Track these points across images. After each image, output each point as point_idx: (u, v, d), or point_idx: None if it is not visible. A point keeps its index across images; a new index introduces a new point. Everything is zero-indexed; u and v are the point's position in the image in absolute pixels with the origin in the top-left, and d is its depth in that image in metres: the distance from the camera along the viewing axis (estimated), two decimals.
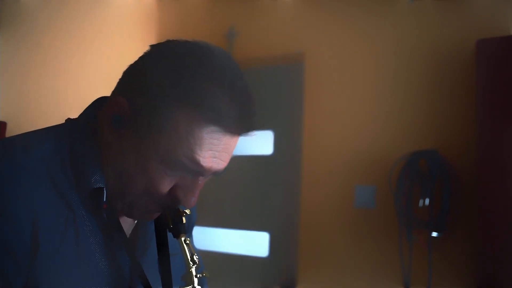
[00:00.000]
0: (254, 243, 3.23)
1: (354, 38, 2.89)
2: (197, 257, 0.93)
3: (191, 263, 0.93)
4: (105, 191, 0.91)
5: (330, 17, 2.97)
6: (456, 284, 2.47)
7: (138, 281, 0.95)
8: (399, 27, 2.77)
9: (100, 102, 0.97)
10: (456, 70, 2.58)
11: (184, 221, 0.94)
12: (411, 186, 2.55)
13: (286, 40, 3.10)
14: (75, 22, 3.00)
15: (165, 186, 0.90)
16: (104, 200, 0.91)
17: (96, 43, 3.05)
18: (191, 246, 0.94)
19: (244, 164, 3.30)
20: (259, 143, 3.27)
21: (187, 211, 0.95)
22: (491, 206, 2.34)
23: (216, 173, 0.92)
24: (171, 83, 0.85)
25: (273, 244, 3.16)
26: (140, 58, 0.92)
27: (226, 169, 0.93)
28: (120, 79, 0.93)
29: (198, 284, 0.93)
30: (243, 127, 0.89)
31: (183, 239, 0.93)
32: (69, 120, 0.97)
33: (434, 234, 2.50)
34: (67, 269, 0.88)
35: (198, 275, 0.93)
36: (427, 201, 2.51)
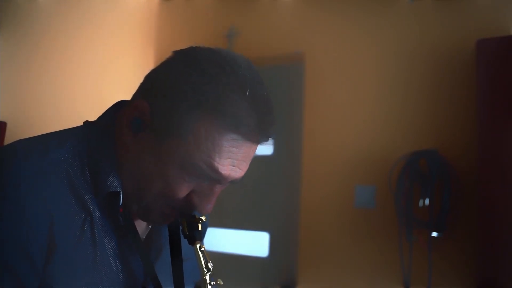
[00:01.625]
0: (254, 243, 3.23)
1: (354, 38, 2.89)
2: (211, 264, 0.94)
3: (205, 270, 0.93)
4: (121, 195, 0.91)
5: (330, 17, 2.97)
6: (456, 284, 2.47)
7: (151, 285, 0.95)
8: (399, 27, 2.77)
9: (119, 106, 0.98)
10: (456, 70, 2.58)
11: (200, 228, 0.95)
12: (411, 186, 2.55)
13: (286, 40, 3.10)
14: (75, 23, 3.00)
15: (182, 192, 0.90)
16: (120, 204, 0.92)
17: (96, 43, 3.05)
18: (206, 253, 0.94)
19: None
20: None
21: (203, 218, 0.95)
22: (491, 206, 2.34)
23: (233, 181, 0.93)
24: (192, 89, 0.86)
25: (273, 244, 3.16)
26: (163, 63, 0.92)
27: (243, 178, 0.94)
28: (142, 83, 0.94)
29: None
30: (262, 135, 0.90)
31: (198, 246, 0.94)
32: (87, 123, 0.98)
33: (434, 234, 2.50)
34: (82, 272, 0.88)
35: (212, 283, 0.94)
36: (427, 201, 2.51)
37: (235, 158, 0.89)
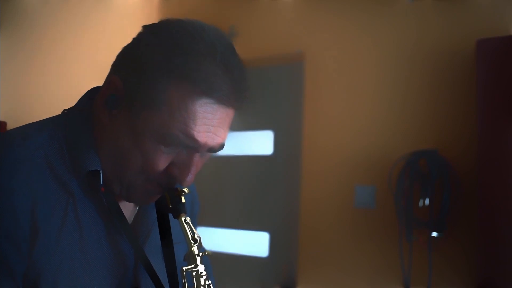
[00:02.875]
0: (254, 243, 3.23)
1: (354, 38, 2.89)
2: (198, 236, 0.93)
3: (192, 242, 0.92)
4: (101, 174, 0.91)
5: (330, 17, 2.97)
6: (456, 284, 2.47)
7: (142, 268, 0.95)
8: (399, 27, 2.77)
9: (94, 90, 0.99)
10: (456, 70, 2.58)
11: (183, 201, 0.93)
12: (411, 186, 2.55)
13: (286, 40, 3.10)
14: (76, 22, 3.00)
15: (161, 164, 0.89)
16: (101, 183, 0.91)
17: (97, 43, 3.05)
18: (191, 225, 0.93)
19: (244, 164, 3.30)
20: (259, 143, 3.27)
21: (186, 190, 0.94)
22: (491, 206, 2.34)
23: (212, 149, 0.92)
24: (163, 58, 0.86)
25: (273, 244, 3.16)
26: (133, 38, 0.93)
27: (223, 146, 0.93)
28: (114, 61, 0.94)
29: (201, 263, 0.93)
30: (236, 99, 0.89)
31: (183, 218, 0.92)
32: (65, 110, 0.99)
33: (434, 234, 2.50)
34: (69, 255, 0.88)
35: (200, 254, 0.93)
36: (427, 201, 2.51)
37: (210, 125, 0.88)
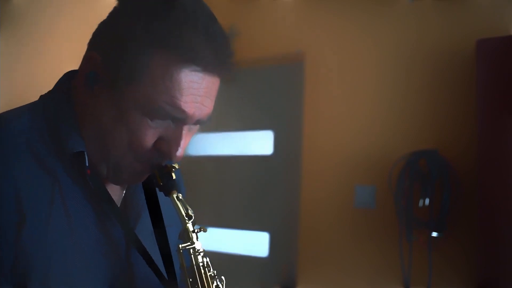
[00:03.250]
0: (254, 243, 3.23)
1: (354, 38, 2.89)
2: (192, 212, 0.90)
3: (186, 218, 0.89)
4: (86, 155, 0.87)
5: (330, 17, 2.97)
6: (456, 284, 2.47)
7: (134, 251, 0.92)
8: (399, 27, 2.77)
9: (71, 73, 0.96)
10: (456, 70, 2.58)
11: (174, 177, 0.90)
12: (411, 186, 2.55)
13: (286, 40, 3.10)
14: (76, 23, 3.00)
15: (149, 139, 0.86)
16: (87, 165, 0.87)
17: None
18: (184, 201, 0.91)
19: (244, 164, 3.30)
20: (259, 143, 3.27)
21: (176, 166, 0.91)
22: (491, 206, 2.34)
23: (200, 121, 0.89)
24: (141, 28, 0.83)
25: (273, 244, 3.16)
26: (110, 13, 0.89)
27: (210, 118, 0.90)
28: (90, 39, 0.90)
29: (197, 240, 0.90)
30: (221, 67, 0.87)
31: (175, 195, 0.90)
32: (42, 95, 0.96)
33: (434, 234, 2.50)
34: (59, 244, 0.84)
35: (195, 231, 0.90)
36: (427, 201, 2.51)
37: (197, 94, 0.85)
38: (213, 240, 3.32)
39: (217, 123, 3.37)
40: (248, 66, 3.22)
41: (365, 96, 2.85)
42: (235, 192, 3.30)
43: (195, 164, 3.49)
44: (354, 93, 2.88)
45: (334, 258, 2.83)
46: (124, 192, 0.98)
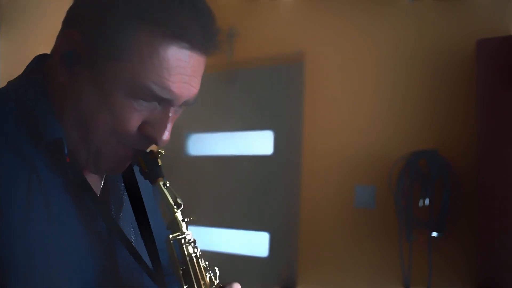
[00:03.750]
0: (254, 243, 3.23)
1: (354, 38, 2.89)
2: (180, 200, 0.85)
3: (175, 207, 0.84)
4: (65, 142, 0.81)
5: (330, 17, 2.97)
6: (456, 284, 2.47)
7: (118, 244, 0.87)
8: (399, 27, 2.77)
9: (42, 56, 0.89)
10: (456, 70, 2.58)
11: (160, 164, 0.85)
12: (411, 186, 2.55)
13: (286, 40, 3.10)
14: None
15: (133, 122, 0.81)
16: (66, 153, 0.81)
17: None
18: (172, 189, 0.85)
19: (244, 164, 3.30)
20: (259, 143, 3.27)
21: (162, 151, 0.86)
22: (491, 206, 2.34)
23: (186, 102, 0.84)
24: (125, 1, 0.77)
25: (273, 244, 3.16)
26: None
27: (196, 99, 0.85)
28: (65, 17, 0.84)
29: (187, 229, 0.85)
30: (208, 45, 0.82)
31: (161, 183, 0.84)
32: (10, 81, 0.88)
33: (434, 234, 2.50)
34: (38, 234, 0.78)
35: (185, 219, 0.85)
36: (427, 201, 2.51)
37: (185, 74, 0.80)
38: (213, 240, 3.32)
39: (217, 123, 3.38)
40: (248, 66, 3.22)
41: (365, 96, 2.85)
42: (235, 192, 3.30)
43: (195, 164, 3.49)
44: (354, 93, 2.88)
45: (334, 258, 2.83)
46: (103, 182, 0.92)
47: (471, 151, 2.45)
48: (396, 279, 2.62)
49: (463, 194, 2.48)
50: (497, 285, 2.28)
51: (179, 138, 3.49)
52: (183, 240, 0.84)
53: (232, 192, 3.31)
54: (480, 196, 2.39)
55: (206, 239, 3.30)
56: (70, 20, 0.83)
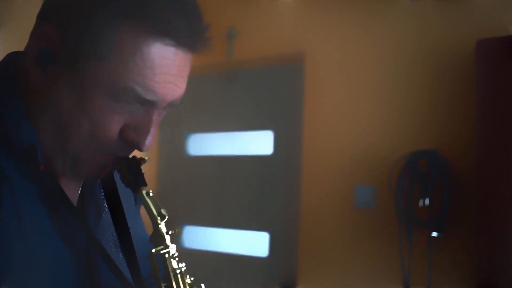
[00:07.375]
0: (254, 243, 3.23)
1: (354, 38, 2.89)
2: (165, 211, 0.78)
3: (159, 218, 0.77)
4: (38, 148, 0.75)
5: (330, 17, 2.97)
6: (456, 284, 2.47)
7: (97, 255, 0.81)
8: (399, 27, 2.77)
9: (13, 54, 0.83)
10: (456, 70, 2.58)
11: (143, 171, 0.79)
12: (411, 186, 2.55)
13: (286, 40, 3.10)
14: None
15: (114, 126, 0.75)
16: (40, 160, 0.75)
17: None
18: (155, 199, 0.79)
19: (244, 164, 3.30)
20: (259, 143, 3.27)
21: (146, 158, 0.79)
22: (491, 206, 2.34)
23: (172, 104, 0.78)
24: None
25: (273, 244, 3.16)
26: None
27: (182, 101, 0.80)
28: (40, 11, 0.78)
29: (171, 243, 0.79)
30: (196, 41, 0.76)
31: (144, 192, 0.78)
32: None
33: (434, 234, 2.50)
34: (9, 248, 0.72)
35: (169, 232, 0.79)
36: (427, 201, 2.51)
37: (170, 73, 0.74)
38: (213, 240, 3.32)
39: (217, 123, 3.39)
40: (248, 66, 3.22)
41: (365, 96, 2.85)
42: (235, 192, 3.30)
43: (195, 164, 3.49)
44: (354, 93, 2.88)
45: (334, 258, 2.84)
46: (80, 189, 0.86)
47: (471, 151, 2.45)
48: (396, 279, 2.62)
49: (463, 194, 2.48)
50: (497, 285, 2.28)
51: (179, 138, 3.49)
52: (167, 255, 0.78)
53: (232, 192, 3.31)
54: (480, 196, 2.39)
55: (206, 239, 3.30)
56: (46, 14, 0.77)
